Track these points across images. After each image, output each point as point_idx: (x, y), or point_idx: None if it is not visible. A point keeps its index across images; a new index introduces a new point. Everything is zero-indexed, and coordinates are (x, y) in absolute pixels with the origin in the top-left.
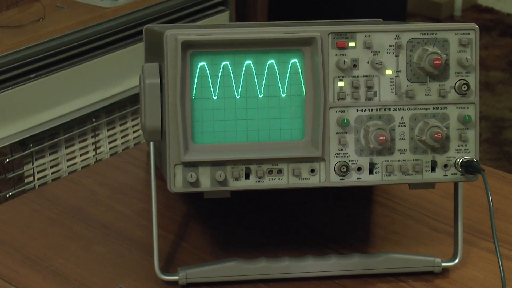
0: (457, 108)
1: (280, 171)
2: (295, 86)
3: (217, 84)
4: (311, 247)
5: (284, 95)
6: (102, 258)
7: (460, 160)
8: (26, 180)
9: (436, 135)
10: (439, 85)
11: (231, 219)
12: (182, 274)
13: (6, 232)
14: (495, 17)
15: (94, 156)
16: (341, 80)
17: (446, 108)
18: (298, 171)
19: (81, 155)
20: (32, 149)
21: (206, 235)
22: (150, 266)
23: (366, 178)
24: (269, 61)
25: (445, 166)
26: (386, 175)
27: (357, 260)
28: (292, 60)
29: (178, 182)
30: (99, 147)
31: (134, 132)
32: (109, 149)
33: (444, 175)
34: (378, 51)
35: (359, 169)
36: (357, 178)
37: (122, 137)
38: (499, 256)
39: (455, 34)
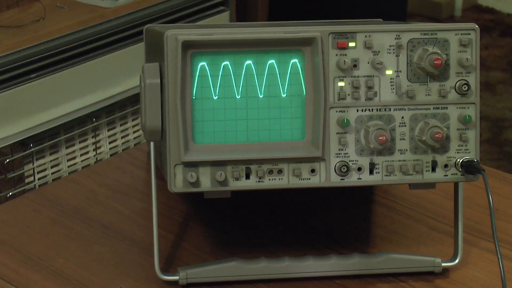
0: (457, 108)
1: (280, 171)
2: (295, 86)
3: (218, 84)
4: (311, 247)
5: (285, 95)
6: (102, 258)
7: (461, 160)
8: (27, 180)
9: (437, 135)
10: (440, 85)
11: (231, 219)
12: (183, 274)
13: (6, 232)
14: (496, 17)
15: (94, 156)
16: (341, 80)
17: (447, 108)
18: (299, 171)
19: (81, 155)
20: (32, 149)
21: (206, 235)
22: (150, 266)
23: (366, 178)
24: (270, 61)
25: (446, 166)
26: (387, 175)
27: (357, 260)
28: (293, 60)
29: (178, 182)
30: (99, 147)
31: (134, 132)
32: (109, 149)
33: (444, 175)
34: (379, 51)
35: (359, 169)
36: (358, 178)
37: (122, 137)
38: (499, 256)
39: (456, 34)
